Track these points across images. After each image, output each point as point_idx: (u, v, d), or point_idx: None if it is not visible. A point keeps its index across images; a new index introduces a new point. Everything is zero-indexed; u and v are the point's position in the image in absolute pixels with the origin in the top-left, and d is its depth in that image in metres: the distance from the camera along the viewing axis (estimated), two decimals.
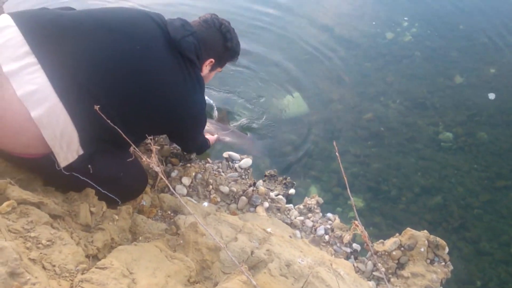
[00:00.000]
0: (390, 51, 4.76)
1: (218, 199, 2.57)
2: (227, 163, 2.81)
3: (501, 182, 3.66)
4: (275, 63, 4.24)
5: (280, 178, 2.96)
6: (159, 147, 2.62)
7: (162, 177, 1.47)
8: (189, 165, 2.63)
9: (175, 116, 1.99)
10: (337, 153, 1.26)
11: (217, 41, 2.10)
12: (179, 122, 2.05)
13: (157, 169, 1.47)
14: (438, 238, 2.51)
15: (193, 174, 2.58)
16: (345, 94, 4.16)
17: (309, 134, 3.66)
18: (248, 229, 2.32)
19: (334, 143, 1.36)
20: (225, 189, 2.59)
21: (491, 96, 4.37)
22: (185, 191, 2.51)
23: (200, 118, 2.17)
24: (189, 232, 2.07)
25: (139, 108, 1.86)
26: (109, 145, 1.85)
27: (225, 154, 2.87)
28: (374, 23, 5.07)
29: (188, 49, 1.91)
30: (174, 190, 2.47)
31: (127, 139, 1.59)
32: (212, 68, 2.19)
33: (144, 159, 1.52)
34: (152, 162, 1.49)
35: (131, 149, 1.49)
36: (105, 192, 1.97)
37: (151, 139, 1.93)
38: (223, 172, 2.72)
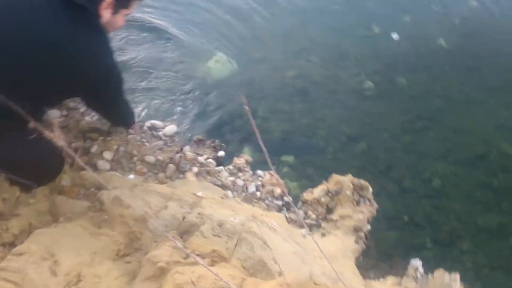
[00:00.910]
0: (309, 6, 4.78)
1: (145, 170, 2.51)
2: (150, 132, 2.74)
3: (420, 123, 3.86)
4: (195, 25, 4.13)
5: (209, 142, 2.94)
6: (61, 119, 2.44)
7: (68, 151, 1.38)
8: (109, 138, 2.53)
9: (75, 73, 1.77)
10: (245, 106, 1.25)
11: None
12: (83, 79, 1.82)
13: (61, 143, 1.38)
14: (361, 180, 2.63)
15: (115, 147, 2.50)
16: (269, 53, 4.16)
17: (236, 96, 3.64)
18: (178, 195, 2.30)
19: (243, 98, 1.35)
20: (151, 159, 2.54)
21: (395, 36, 4.55)
22: (108, 165, 2.42)
23: (108, 72, 1.89)
24: (113, 207, 2.02)
25: (32, 72, 1.68)
26: (8, 122, 1.63)
27: (147, 123, 2.79)
28: None
29: None
30: (96, 165, 2.38)
31: (28, 114, 1.46)
32: (115, 10, 1.90)
33: (46, 134, 1.41)
34: (54, 137, 1.39)
35: (33, 124, 1.37)
36: (16, 177, 1.85)
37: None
38: (147, 142, 2.64)
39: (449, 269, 2.53)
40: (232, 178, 2.67)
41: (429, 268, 2.51)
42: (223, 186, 2.61)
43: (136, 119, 2.67)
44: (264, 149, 1.45)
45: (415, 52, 4.49)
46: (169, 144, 2.70)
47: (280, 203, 2.63)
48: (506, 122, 3.95)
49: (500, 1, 5.52)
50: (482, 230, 3.31)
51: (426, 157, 3.67)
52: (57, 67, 1.71)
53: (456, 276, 2.37)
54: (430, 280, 2.36)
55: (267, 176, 2.77)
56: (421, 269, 2.45)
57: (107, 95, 2.02)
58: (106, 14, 1.85)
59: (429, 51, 4.55)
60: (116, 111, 2.25)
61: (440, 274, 2.36)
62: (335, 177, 2.63)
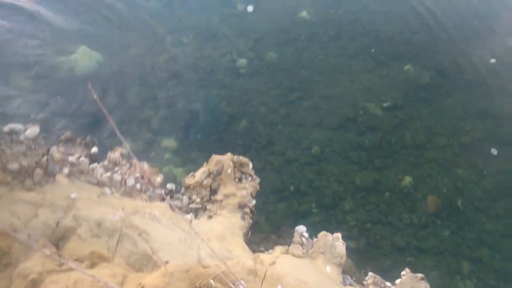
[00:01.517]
0: None
1: (9, 179, 2.27)
2: (10, 137, 2.48)
3: (293, 95, 4.02)
4: (50, 18, 3.80)
5: (79, 140, 2.76)
6: None
7: None
8: None
9: None
10: (95, 95, 1.18)
11: None
12: None
13: None
14: (241, 157, 2.67)
15: None
16: (136, 38, 4.00)
17: (106, 87, 3.47)
18: (49, 201, 2.14)
19: (89, 85, 1.27)
20: (14, 166, 2.29)
21: (250, 8, 4.69)
22: None
23: None
24: None
25: None
26: None
27: (6, 128, 2.52)
28: None
29: None
30: None
31: None
32: None
33: None
34: None
35: None
36: None
37: None
38: (7, 148, 2.39)
39: (335, 230, 2.69)
40: (108, 174, 2.54)
41: (316, 232, 2.65)
42: (100, 184, 2.47)
43: None
44: (121, 137, 1.40)
45: (281, 26, 4.63)
46: (33, 147, 2.47)
47: (162, 192, 2.57)
48: (368, 84, 4.26)
49: None
50: (360, 188, 3.58)
51: (303, 127, 3.84)
52: None
53: (338, 235, 2.52)
54: (315, 243, 2.48)
55: (146, 166, 2.69)
56: (306, 234, 2.56)
57: None
58: None
59: (293, 24, 4.70)
60: None
61: (323, 236, 2.49)
62: (215, 157, 2.63)
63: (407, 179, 3.68)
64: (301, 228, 2.64)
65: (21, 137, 2.53)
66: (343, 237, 2.56)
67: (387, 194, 3.61)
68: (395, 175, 3.69)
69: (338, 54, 4.43)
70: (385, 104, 4.11)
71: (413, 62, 4.40)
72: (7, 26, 3.48)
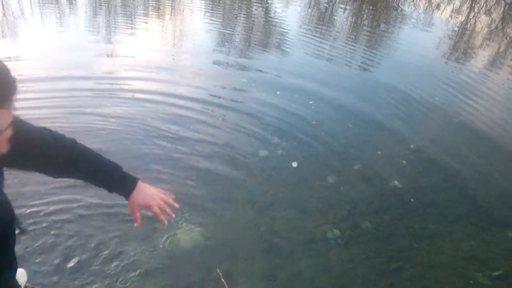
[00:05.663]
0: (268, 166, 5.09)
1: None
2: None
3: (393, 264, 3.89)
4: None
5: None
6: None
7: None
8: None
9: None
10: (222, 279, 1.28)
11: None
12: None
13: None
14: None
15: None
16: (237, 214, 4.25)
17: (210, 263, 3.59)
18: None
19: (218, 271, 1.39)
20: None
21: (295, 164, 5.08)
22: None
23: None
24: None
25: None
26: None
27: None
28: (250, 141, 5.48)
29: None
30: None
31: None
32: None
33: None
34: None
35: None
36: None
37: None
38: None
39: None
40: None
41: None
42: None
43: None
44: None
45: (372, 196, 4.75)
46: None
47: None
48: (474, 252, 4.06)
49: (436, 139, 6.18)
50: None
51: None
52: None
53: None
54: None
55: None
56: None
57: None
58: None
59: (385, 193, 4.83)
60: None
61: None
62: None
63: None
64: None
65: None
66: None
67: None
68: None
69: (436, 222, 4.36)
70: (494, 274, 3.82)
71: None
72: None
